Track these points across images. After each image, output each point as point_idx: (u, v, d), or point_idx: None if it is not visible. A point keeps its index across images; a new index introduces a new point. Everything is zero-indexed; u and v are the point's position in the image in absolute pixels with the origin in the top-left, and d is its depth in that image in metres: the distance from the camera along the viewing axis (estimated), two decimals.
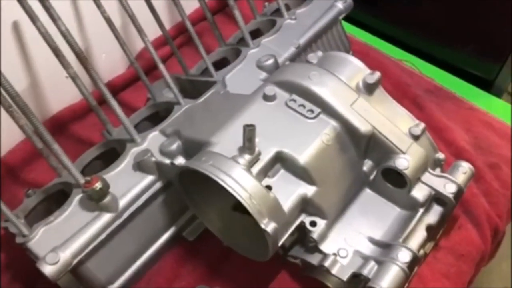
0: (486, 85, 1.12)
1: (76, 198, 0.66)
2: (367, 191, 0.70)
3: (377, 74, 0.70)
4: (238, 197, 0.56)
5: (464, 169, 0.69)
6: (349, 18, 0.93)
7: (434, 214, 0.67)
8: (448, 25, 1.16)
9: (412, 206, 0.67)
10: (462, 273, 0.72)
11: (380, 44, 1.06)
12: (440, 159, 0.72)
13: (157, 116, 0.82)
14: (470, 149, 0.84)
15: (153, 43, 0.79)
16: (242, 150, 0.61)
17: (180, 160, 0.64)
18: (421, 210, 0.66)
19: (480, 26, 1.13)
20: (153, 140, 0.71)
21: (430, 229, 0.66)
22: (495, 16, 1.12)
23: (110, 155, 0.76)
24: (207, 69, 0.82)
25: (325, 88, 0.66)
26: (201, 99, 0.75)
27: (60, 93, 0.86)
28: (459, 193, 0.67)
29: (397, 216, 0.67)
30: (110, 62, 0.92)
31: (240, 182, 0.57)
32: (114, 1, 0.75)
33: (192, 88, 0.83)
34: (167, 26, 0.93)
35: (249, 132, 0.59)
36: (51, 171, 0.71)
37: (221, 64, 0.85)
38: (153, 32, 0.87)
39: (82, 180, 0.64)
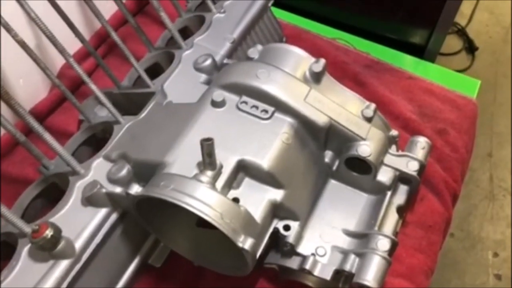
0: (418, 51, 1.14)
1: (24, 250, 0.58)
2: (332, 182, 0.68)
3: (322, 61, 0.68)
4: (210, 220, 0.52)
5: (422, 144, 0.69)
6: (276, 3, 0.90)
7: (401, 194, 0.67)
8: None
9: (379, 190, 0.66)
10: (432, 244, 0.73)
11: (310, 25, 1.04)
12: (394, 136, 0.72)
13: (94, 138, 0.75)
14: (417, 119, 0.85)
15: (74, 58, 0.71)
16: (202, 166, 0.56)
17: (135, 189, 0.59)
18: (389, 193, 0.66)
19: None
20: (98, 168, 0.64)
21: (400, 209, 0.66)
22: None
23: (51, 190, 0.69)
24: (140, 79, 0.77)
25: (276, 85, 0.62)
26: (143, 115, 0.69)
27: None
28: (421, 169, 0.67)
29: (366, 203, 0.67)
30: (30, 87, 0.83)
31: (208, 202, 0.53)
32: (24, 19, 0.67)
33: (128, 103, 0.77)
34: (85, 37, 0.85)
35: (208, 147, 0.54)
36: None
37: (153, 70, 0.80)
38: (71, 45, 0.80)
39: (27, 229, 0.57)
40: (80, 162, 0.65)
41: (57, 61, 0.86)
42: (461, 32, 1.88)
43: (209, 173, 0.56)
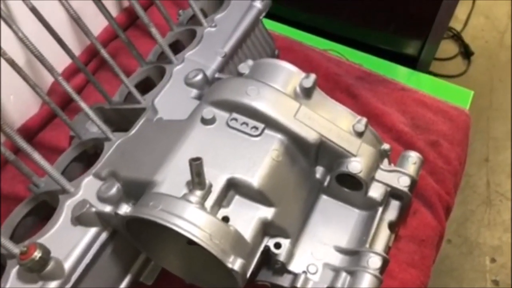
0: (412, 61, 1.14)
1: (13, 271, 0.58)
2: (324, 198, 0.68)
3: (313, 77, 0.67)
4: (198, 241, 0.52)
5: (413, 159, 0.69)
6: (267, 14, 0.90)
7: (393, 210, 0.67)
8: (367, 7, 1.16)
9: (370, 206, 0.66)
10: (425, 258, 0.73)
11: (302, 37, 1.04)
12: (386, 150, 0.72)
13: (85, 154, 0.75)
14: (409, 131, 0.85)
15: (65, 73, 0.71)
16: (191, 186, 0.56)
17: (124, 209, 0.59)
18: (380, 209, 0.65)
19: (399, 4, 1.13)
20: (88, 186, 0.64)
21: (391, 225, 0.66)
22: None
23: (42, 208, 0.68)
24: (131, 94, 0.76)
25: (266, 102, 0.62)
26: (133, 131, 0.69)
27: None
28: (413, 184, 0.67)
29: (357, 219, 0.66)
30: (21, 103, 0.82)
31: (196, 223, 0.53)
32: (13, 36, 0.66)
33: (120, 118, 0.76)
34: (77, 51, 0.85)
35: (197, 166, 0.54)
36: None
37: (144, 84, 0.80)
38: (62, 60, 0.79)
39: (16, 250, 0.56)
40: (72, 179, 0.65)
41: (48, 77, 0.85)
42: (457, 37, 1.88)
43: (198, 192, 0.56)
